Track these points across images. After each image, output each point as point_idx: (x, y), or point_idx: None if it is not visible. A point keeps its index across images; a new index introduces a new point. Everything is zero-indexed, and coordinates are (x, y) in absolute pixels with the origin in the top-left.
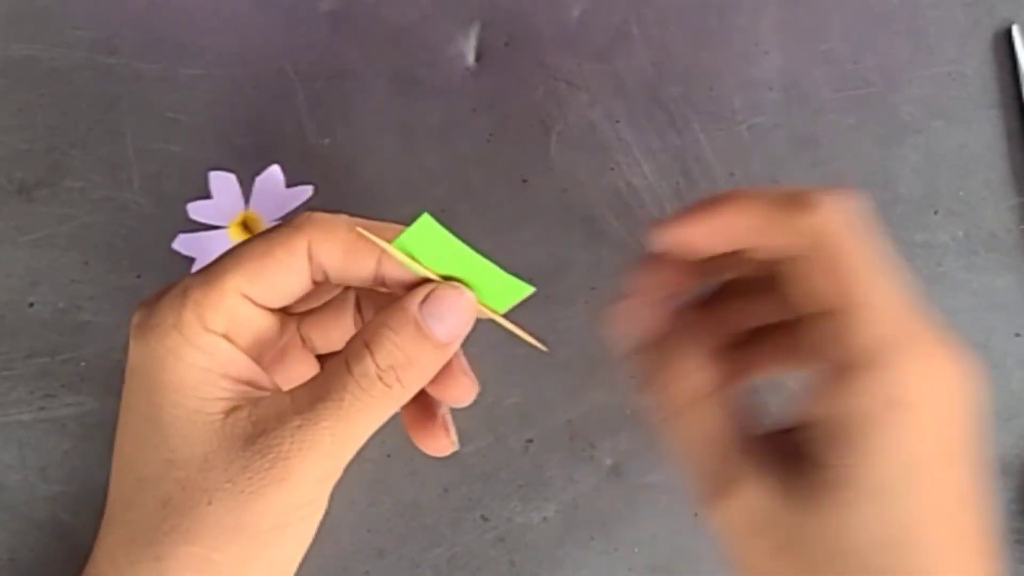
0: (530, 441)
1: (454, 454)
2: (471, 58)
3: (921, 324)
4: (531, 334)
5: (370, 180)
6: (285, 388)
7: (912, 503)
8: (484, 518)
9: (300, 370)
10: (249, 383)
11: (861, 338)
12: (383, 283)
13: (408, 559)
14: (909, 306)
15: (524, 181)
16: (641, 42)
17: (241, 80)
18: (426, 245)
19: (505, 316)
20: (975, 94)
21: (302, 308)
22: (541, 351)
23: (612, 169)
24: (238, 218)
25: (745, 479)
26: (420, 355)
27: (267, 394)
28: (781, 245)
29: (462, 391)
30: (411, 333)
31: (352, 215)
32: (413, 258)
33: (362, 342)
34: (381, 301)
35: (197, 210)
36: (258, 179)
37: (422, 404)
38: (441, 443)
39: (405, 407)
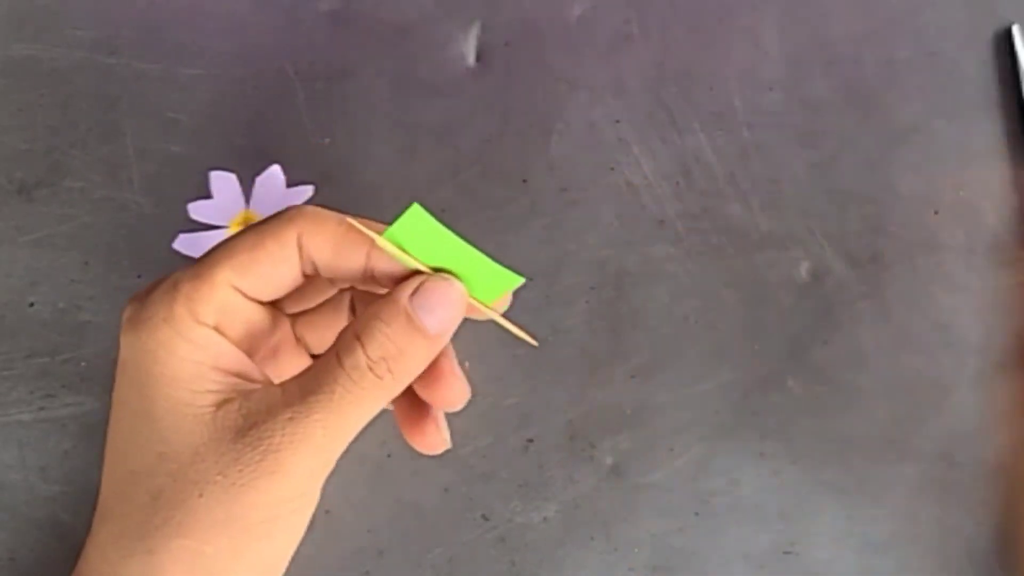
0: (530, 441)
1: (454, 454)
2: (471, 58)
3: None
4: (523, 329)
5: (370, 180)
6: None
7: None
8: (484, 518)
9: (295, 369)
10: (240, 376)
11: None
12: (372, 277)
13: (408, 559)
14: None
15: (524, 181)
16: (641, 42)
17: (241, 80)
18: (416, 236)
19: (502, 314)
20: (975, 94)
21: (297, 308)
22: (532, 345)
23: (612, 169)
24: (238, 218)
25: None
26: (411, 346)
27: (258, 387)
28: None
29: (455, 395)
30: (402, 324)
31: (353, 215)
32: (403, 250)
33: (353, 334)
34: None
35: (197, 210)
36: (258, 179)
37: (415, 402)
38: (434, 441)
39: (398, 405)
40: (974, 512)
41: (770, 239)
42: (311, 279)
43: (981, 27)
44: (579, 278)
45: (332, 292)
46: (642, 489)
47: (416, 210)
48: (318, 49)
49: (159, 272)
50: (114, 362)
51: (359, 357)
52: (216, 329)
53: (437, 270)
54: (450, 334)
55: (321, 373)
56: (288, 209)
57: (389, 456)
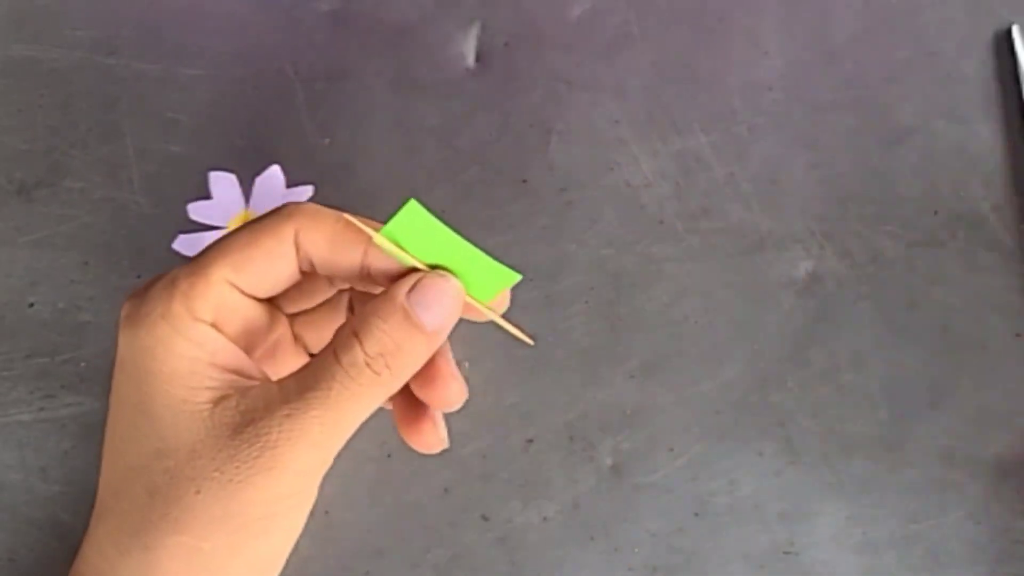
0: (530, 441)
1: (454, 454)
2: (471, 58)
3: None
4: (520, 329)
5: (370, 180)
6: None
7: None
8: (484, 518)
9: (293, 369)
10: (238, 372)
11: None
12: (369, 275)
13: (408, 559)
14: None
15: (524, 181)
16: (641, 42)
17: (241, 80)
18: (413, 232)
19: (502, 314)
20: (975, 94)
21: (295, 308)
22: (528, 344)
23: (612, 169)
24: (238, 218)
25: None
26: (408, 342)
27: (256, 384)
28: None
29: (452, 396)
30: (399, 320)
31: (351, 213)
32: (400, 246)
33: (350, 331)
34: None
35: (197, 210)
36: (258, 179)
37: (413, 402)
38: (431, 440)
39: (396, 404)
40: (974, 512)
41: (770, 239)
42: (309, 278)
43: (981, 27)
44: (579, 278)
45: (331, 292)
46: (642, 489)
47: (413, 206)
48: (318, 49)
49: (159, 273)
50: (114, 362)
51: (357, 353)
52: (213, 326)
53: (434, 267)
54: (447, 331)
55: (319, 370)
56: (285, 205)
57: (389, 456)
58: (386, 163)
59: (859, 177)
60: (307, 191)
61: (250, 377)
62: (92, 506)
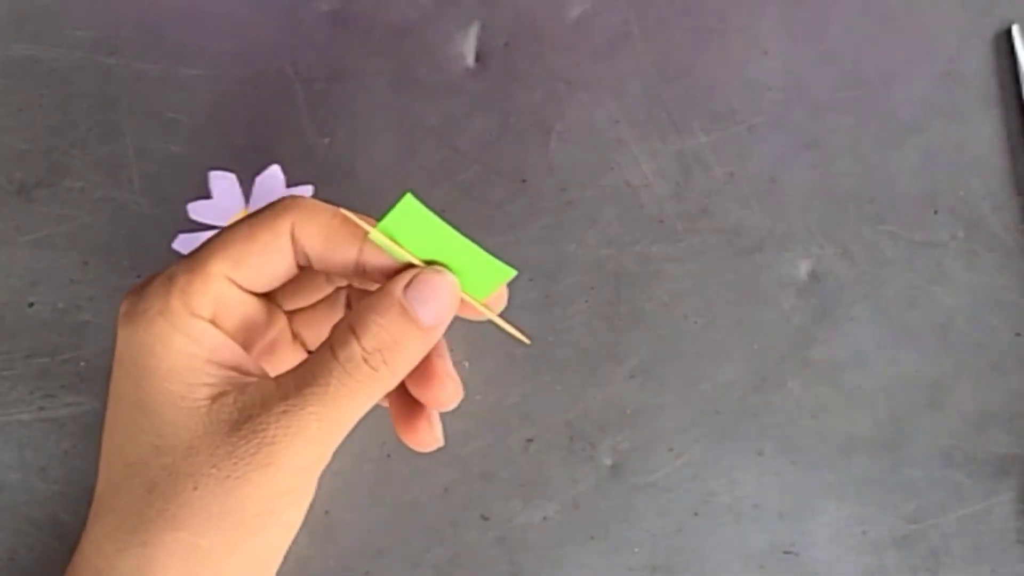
0: (530, 441)
1: (454, 454)
2: (471, 58)
3: None
4: (518, 328)
5: (370, 180)
6: None
7: None
8: (484, 518)
9: (292, 366)
10: (235, 369)
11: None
12: (364, 271)
13: (408, 559)
14: None
15: (524, 181)
16: (641, 42)
17: (241, 80)
18: (409, 228)
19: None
20: (975, 94)
21: (294, 305)
22: (524, 343)
23: (612, 169)
24: (238, 218)
25: None
26: (406, 337)
27: (254, 380)
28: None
29: (447, 395)
30: (396, 316)
31: (348, 209)
32: (395, 242)
33: (347, 327)
34: None
35: (197, 210)
36: (258, 179)
37: (409, 400)
38: (426, 439)
39: (393, 402)
40: (974, 512)
41: (770, 239)
42: (307, 275)
43: (981, 27)
44: (579, 278)
45: (329, 289)
46: (642, 489)
47: (409, 200)
48: (318, 49)
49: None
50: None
51: (354, 349)
52: (212, 322)
53: (430, 263)
54: (444, 327)
55: (316, 366)
56: (282, 199)
57: (389, 456)
58: (386, 163)
59: (859, 177)
60: (307, 191)
61: (248, 373)
62: (91, 504)
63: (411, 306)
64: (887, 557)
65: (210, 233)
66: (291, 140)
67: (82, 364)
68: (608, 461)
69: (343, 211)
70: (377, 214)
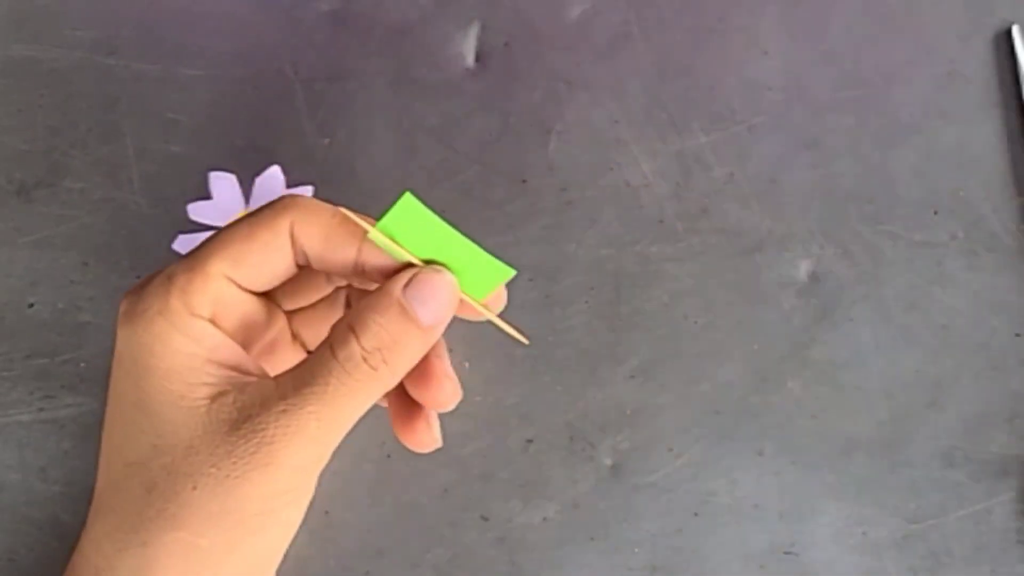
0: (530, 441)
1: (454, 454)
2: (471, 58)
3: None
4: (516, 328)
5: (370, 180)
6: None
7: None
8: (484, 518)
9: (292, 365)
10: (235, 368)
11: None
12: (363, 270)
13: (408, 559)
14: None
15: (524, 181)
16: (641, 42)
17: (241, 80)
18: (408, 227)
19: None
20: (975, 94)
21: (293, 305)
22: (523, 343)
23: (612, 169)
24: (238, 218)
25: None
26: (405, 336)
27: (253, 380)
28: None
29: (446, 396)
30: (395, 315)
31: (348, 208)
32: (395, 241)
33: (346, 326)
34: None
35: (197, 210)
36: (258, 179)
37: (408, 401)
38: (424, 440)
39: (391, 402)
40: (974, 512)
41: (770, 239)
42: (306, 274)
43: (981, 27)
44: (579, 278)
45: (328, 289)
46: (642, 489)
47: (408, 199)
48: (318, 49)
49: None
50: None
51: (353, 348)
52: (211, 321)
53: (428, 262)
54: (443, 326)
55: (315, 365)
56: (281, 198)
57: (389, 456)
58: (386, 163)
59: (859, 177)
60: (307, 191)
61: (248, 373)
62: (91, 504)
63: (410, 305)
64: (887, 557)
65: (210, 234)
66: (291, 140)
67: (82, 365)
68: (608, 461)
69: (342, 210)
70: (377, 214)
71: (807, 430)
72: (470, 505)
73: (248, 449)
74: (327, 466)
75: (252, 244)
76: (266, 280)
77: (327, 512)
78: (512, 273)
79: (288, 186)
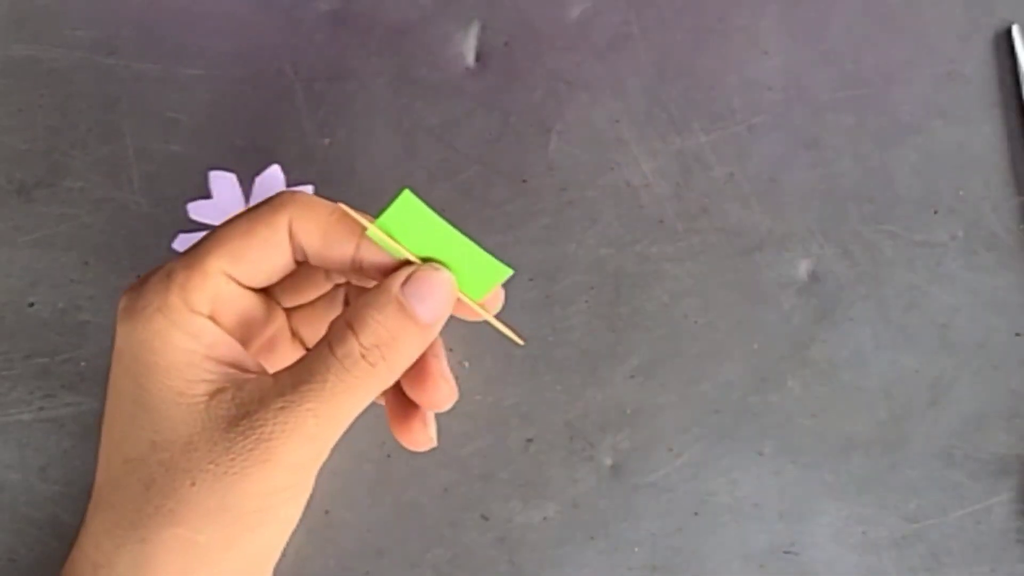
0: (530, 441)
1: (454, 454)
2: (471, 58)
3: None
4: (513, 329)
5: (370, 180)
6: None
7: None
8: (484, 518)
9: (290, 362)
10: (234, 365)
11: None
12: (361, 268)
13: (408, 559)
14: None
15: (524, 181)
16: (641, 42)
17: (241, 80)
18: (407, 224)
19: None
20: (975, 94)
21: (292, 302)
22: (517, 344)
23: (612, 169)
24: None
25: None
26: (404, 333)
27: (252, 377)
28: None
29: (442, 397)
30: (394, 311)
31: (347, 205)
32: (393, 238)
33: (345, 323)
34: None
35: (197, 210)
36: (258, 179)
37: (405, 400)
38: (420, 439)
39: (388, 401)
40: (974, 512)
41: (770, 239)
42: (305, 271)
43: (981, 27)
44: (579, 278)
45: (328, 287)
46: (642, 489)
47: (407, 196)
48: (318, 49)
49: None
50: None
51: (352, 345)
52: (210, 318)
53: (426, 260)
54: (441, 324)
55: (313, 362)
56: (280, 194)
57: (389, 456)
58: (386, 163)
59: (859, 177)
60: (307, 191)
61: (246, 370)
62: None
63: (409, 303)
64: (887, 557)
65: None
66: (291, 140)
67: (82, 364)
68: (608, 461)
69: (341, 206)
70: (377, 214)
71: (807, 430)
72: (470, 505)
73: (246, 446)
74: (327, 465)
75: (251, 240)
76: (265, 276)
77: (327, 512)
78: (510, 272)
79: (288, 186)
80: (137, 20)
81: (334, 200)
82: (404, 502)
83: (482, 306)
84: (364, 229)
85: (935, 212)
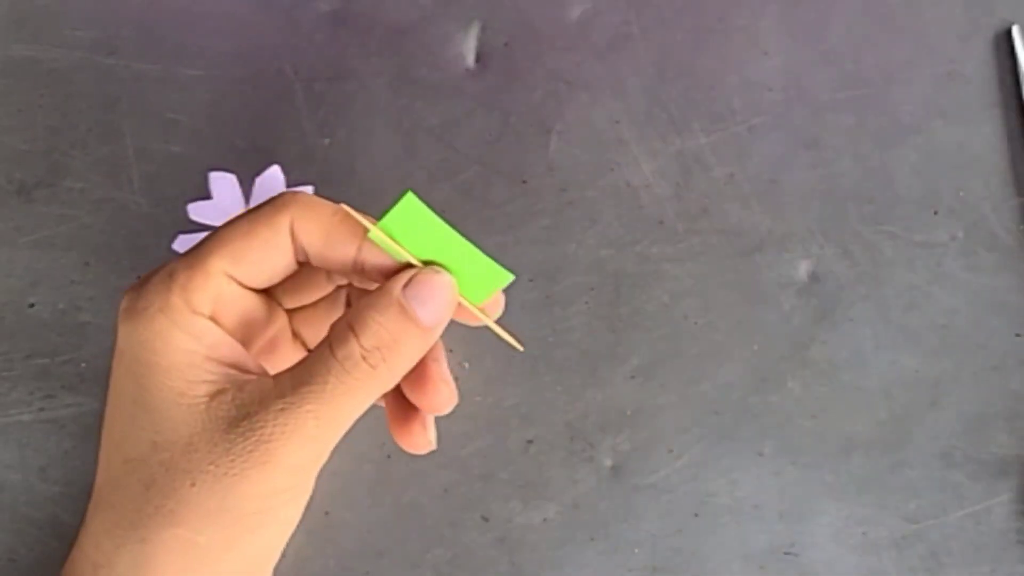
0: (530, 441)
1: (454, 454)
2: (471, 58)
3: None
4: (512, 333)
5: (370, 180)
6: None
7: None
8: (484, 518)
9: (291, 363)
10: (235, 366)
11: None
12: (362, 269)
13: (408, 559)
14: None
15: (524, 181)
16: (641, 42)
17: (241, 80)
18: (409, 226)
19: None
20: (975, 94)
21: (294, 304)
22: (516, 349)
23: (612, 169)
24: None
25: None
26: (405, 335)
27: (252, 378)
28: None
29: (442, 400)
30: (395, 314)
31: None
32: (395, 240)
33: (346, 325)
34: None
35: (197, 210)
36: (258, 179)
37: (405, 402)
38: (419, 441)
39: (388, 403)
40: (974, 512)
41: (770, 239)
42: (307, 272)
43: (981, 27)
44: (579, 278)
45: (329, 288)
46: (642, 490)
47: (410, 198)
48: (318, 49)
49: None
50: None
51: (352, 347)
52: (212, 318)
53: (427, 263)
54: (442, 327)
55: (314, 364)
56: (282, 195)
57: (389, 457)
58: (386, 163)
59: (859, 177)
60: (307, 191)
61: (247, 371)
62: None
63: (410, 305)
64: (887, 557)
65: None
66: (291, 140)
67: (82, 365)
68: (608, 462)
69: (343, 207)
70: (377, 214)
71: (807, 430)
72: (470, 505)
73: (246, 447)
74: (327, 466)
75: (252, 241)
76: (266, 277)
77: (327, 512)
78: (511, 278)
79: (288, 186)
80: (137, 20)
81: (335, 200)
82: (404, 503)
83: (482, 310)
84: (366, 230)
85: (935, 212)
